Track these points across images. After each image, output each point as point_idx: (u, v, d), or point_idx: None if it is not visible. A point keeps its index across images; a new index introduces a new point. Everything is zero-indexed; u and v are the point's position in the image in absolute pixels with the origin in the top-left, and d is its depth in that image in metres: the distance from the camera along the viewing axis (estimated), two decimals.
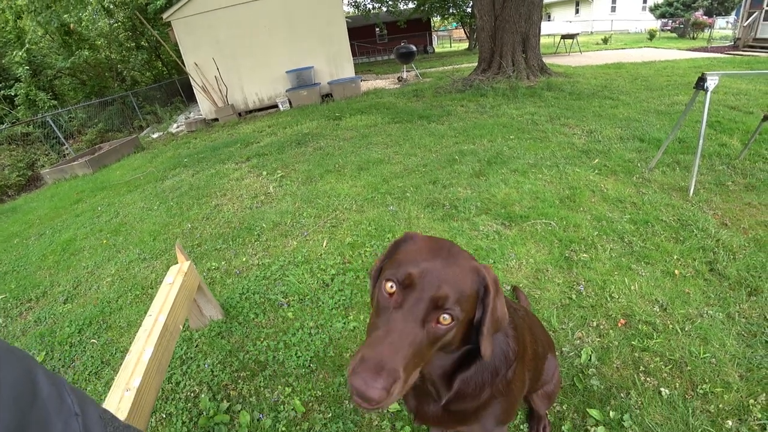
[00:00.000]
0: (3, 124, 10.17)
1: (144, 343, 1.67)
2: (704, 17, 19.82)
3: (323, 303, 2.44)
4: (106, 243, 4.01)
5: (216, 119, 10.29)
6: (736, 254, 2.46)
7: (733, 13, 21.36)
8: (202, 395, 1.97)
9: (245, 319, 2.42)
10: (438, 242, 0.88)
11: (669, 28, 22.87)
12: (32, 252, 4.29)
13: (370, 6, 23.26)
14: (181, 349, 2.29)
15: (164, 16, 9.93)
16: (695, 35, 19.59)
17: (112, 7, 13.89)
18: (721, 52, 13.11)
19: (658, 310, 2.11)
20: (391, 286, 0.79)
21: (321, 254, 2.98)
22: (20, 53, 10.47)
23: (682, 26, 20.83)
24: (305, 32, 10.32)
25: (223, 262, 3.13)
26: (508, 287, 2.33)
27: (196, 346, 2.31)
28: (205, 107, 10.50)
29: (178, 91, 16.11)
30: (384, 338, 0.73)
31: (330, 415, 1.77)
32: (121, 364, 1.60)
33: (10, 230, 5.30)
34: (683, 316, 2.05)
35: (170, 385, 2.08)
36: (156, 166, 6.66)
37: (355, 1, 23.46)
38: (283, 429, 1.74)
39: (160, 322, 1.79)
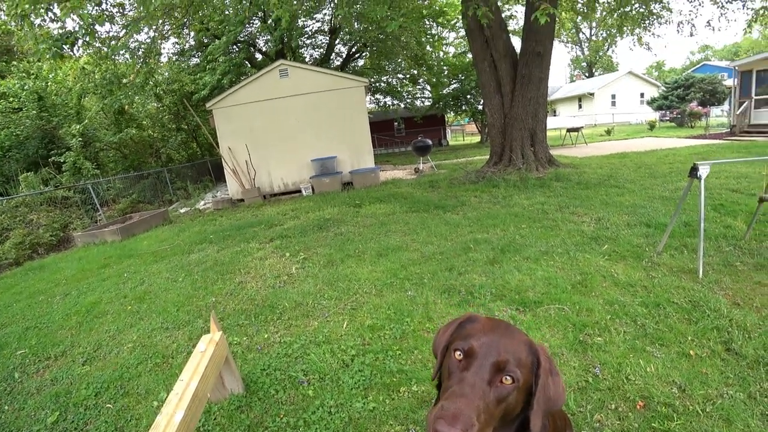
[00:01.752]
0: (47, 186, 10.88)
1: (175, 406, 1.73)
2: (699, 107, 21.19)
3: (343, 382, 2.49)
4: (130, 309, 4.16)
5: (242, 200, 10.87)
6: (751, 333, 2.51)
7: (725, 102, 22.75)
8: None
9: (265, 395, 2.47)
10: (496, 321, 1.08)
11: (668, 118, 24.32)
12: (56, 311, 4.44)
13: (390, 103, 25.32)
14: (199, 422, 2.31)
15: (207, 105, 11.08)
16: (693, 124, 20.80)
17: (162, 93, 15.46)
18: (720, 138, 13.92)
19: (676, 391, 2.13)
20: (459, 354, 0.98)
21: (341, 335, 3.08)
22: (78, 127, 11.55)
23: (679, 116, 22.15)
24: (331, 125, 11.28)
25: (245, 338, 3.23)
26: None
27: (215, 419, 2.34)
28: (233, 188, 11.17)
29: (209, 170, 17.21)
30: (458, 393, 0.89)
31: None
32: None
33: (37, 287, 5.50)
34: (703, 396, 2.07)
35: None
36: (183, 240, 6.98)
37: (376, 98, 25.60)
38: None
39: (192, 388, 1.86)
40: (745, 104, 14.83)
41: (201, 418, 2.34)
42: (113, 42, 7.29)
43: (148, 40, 8.89)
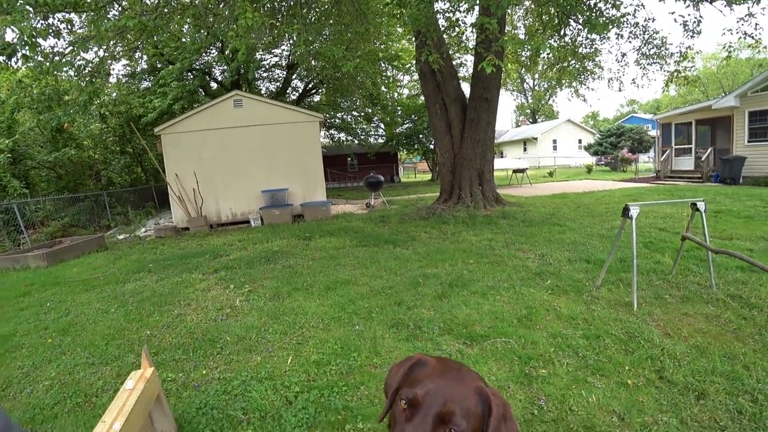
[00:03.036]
0: None
1: None
2: (629, 154, 23.55)
3: (285, 421, 2.38)
4: (51, 342, 3.79)
5: (187, 228, 10.41)
6: (681, 361, 2.71)
7: (651, 149, 25.40)
8: None
9: None
10: (447, 364, 1.04)
11: (603, 162, 26.76)
12: None
13: (344, 138, 25.71)
14: None
15: (156, 129, 10.70)
16: (625, 168, 23.29)
17: (107, 114, 14.75)
18: (648, 182, 15.50)
19: (616, 420, 2.24)
20: (404, 403, 0.93)
21: (285, 371, 2.97)
22: (7, 142, 10.67)
23: (613, 161, 24.60)
24: (284, 158, 11.24)
25: (181, 374, 3.03)
26: None
27: None
28: (178, 215, 10.69)
29: (153, 196, 16.40)
30: None
31: None
32: None
33: None
34: (640, 424, 2.18)
35: None
36: (118, 268, 6.53)
37: (331, 134, 25.93)
38: None
39: (115, 430, 1.73)
40: (666, 152, 16.62)
41: None
42: (57, 58, 6.93)
43: (97, 60, 8.55)
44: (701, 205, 3.73)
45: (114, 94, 15.84)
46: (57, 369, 3.25)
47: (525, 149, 38.11)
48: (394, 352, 3.13)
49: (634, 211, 3.62)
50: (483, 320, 3.60)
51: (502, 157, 38.38)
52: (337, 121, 24.10)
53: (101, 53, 8.55)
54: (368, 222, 9.59)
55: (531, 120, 49.87)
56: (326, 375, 2.87)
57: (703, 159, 14.61)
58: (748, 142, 13.22)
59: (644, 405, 2.34)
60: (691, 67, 9.42)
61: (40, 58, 6.31)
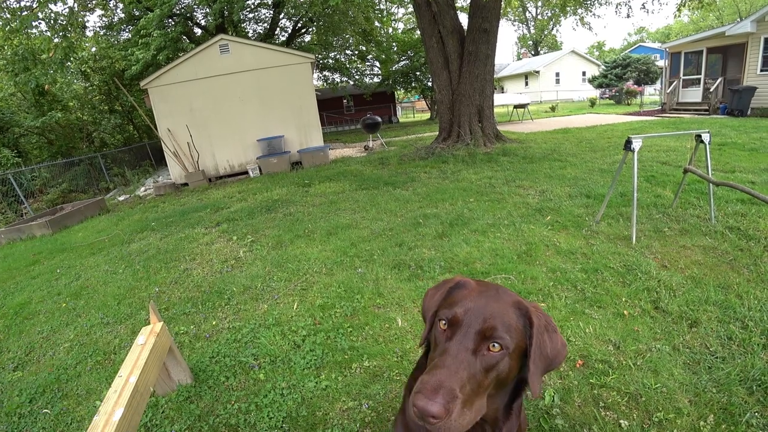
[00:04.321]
0: None
1: (114, 404, 1.64)
2: (635, 86, 22.76)
3: (295, 363, 2.49)
4: (65, 307, 3.89)
5: (186, 184, 10.36)
6: (676, 292, 2.77)
7: (658, 81, 24.53)
8: None
9: (215, 383, 2.42)
10: (486, 285, 1.05)
11: (607, 96, 25.90)
12: None
13: (338, 80, 24.80)
14: (146, 416, 2.23)
15: (142, 83, 10.31)
16: (629, 101, 22.46)
17: (89, 71, 14.17)
18: (652, 115, 15.05)
19: (612, 348, 2.32)
20: (444, 324, 0.95)
21: (292, 316, 3.05)
22: None
23: (617, 94, 23.79)
24: (277, 104, 10.89)
25: (192, 326, 3.13)
26: None
27: (163, 412, 2.27)
28: (175, 172, 10.60)
29: (148, 154, 16.18)
30: (440, 364, 0.86)
31: None
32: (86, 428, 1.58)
33: None
34: (635, 352, 2.26)
35: None
36: (122, 229, 6.58)
37: (324, 75, 25.00)
38: None
39: (131, 383, 1.78)
40: (674, 84, 15.91)
41: (147, 412, 2.26)
42: (24, 13, 6.52)
43: (66, 11, 8.03)
44: (705, 137, 3.61)
45: (93, 49, 15.10)
46: (75, 331, 3.36)
47: (527, 83, 36.63)
48: (397, 293, 3.20)
49: (636, 144, 3.52)
50: (483, 257, 3.64)
51: (502, 92, 37.09)
52: (330, 61, 23.05)
53: (71, 2, 8.03)
54: (367, 165, 9.49)
55: (533, 52, 47.50)
56: (331, 318, 2.95)
57: (711, 90, 13.91)
58: (761, 71, 12.49)
59: (639, 334, 2.41)
60: None
61: (6, 15, 5.95)
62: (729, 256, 3.22)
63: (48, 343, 3.27)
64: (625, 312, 2.63)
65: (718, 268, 3.07)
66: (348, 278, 3.54)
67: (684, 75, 15.78)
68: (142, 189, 11.33)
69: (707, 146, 3.63)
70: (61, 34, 7.57)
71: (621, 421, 1.85)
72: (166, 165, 11.07)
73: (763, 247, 3.29)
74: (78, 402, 2.49)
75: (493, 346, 0.89)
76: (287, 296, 3.40)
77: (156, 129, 10.59)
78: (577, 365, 2.22)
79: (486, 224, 4.45)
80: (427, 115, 30.22)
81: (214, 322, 3.14)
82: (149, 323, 2.28)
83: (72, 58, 10.40)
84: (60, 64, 7.88)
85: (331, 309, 3.07)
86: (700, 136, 3.64)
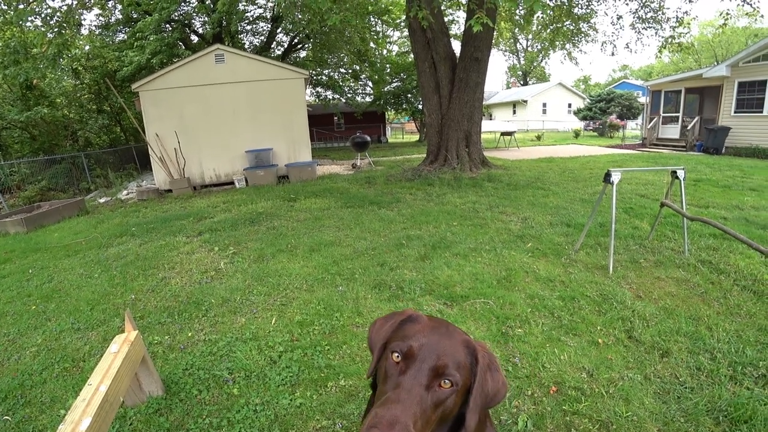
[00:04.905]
0: None
1: (81, 412, 1.59)
2: (618, 120, 23.62)
3: (270, 379, 2.47)
4: (35, 309, 3.78)
5: (170, 190, 10.24)
6: (649, 322, 2.86)
7: (639, 117, 25.51)
8: None
9: (187, 396, 2.38)
10: (438, 321, 1.05)
11: (591, 128, 26.74)
12: None
13: (331, 97, 25.06)
14: (113, 428, 2.18)
15: (133, 86, 10.25)
16: (612, 134, 23.34)
17: (80, 69, 14.01)
18: (633, 149, 15.62)
19: (585, 376, 2.37)
20: (397, 356, 0.94)
21: (269, 331, 3.04)
22: None
23: (601, 127, 24.66)
24: (268, 117, 10.94)
25: (166, 337, 3.08)
26: None
27: (131, 424, 2.22)
28: (160, 177, 10.48)
29: (134, 158, 15.95)
30: (394, 398, 0.85)
31: None
32: None
33: None
34: (607, 380, 2.32)
35: None
36: (101, 232, 6.45)
37: (317, 92, 25.23)
38: None
39: (101, 392, 1.73)
40: (654, 120, 16.64)
41: (114, 424, 2.21)
42: (21, 6, 6.48)
43: (65, 8, 8.00)
44: (680, 173, 3.79)
45: (86, 47, 14.99)
46: (43, 335, 3.26)
47: (514, 112, 37.66)
48: (376, 312, 3.22)
49: (615, 177, 3.67)
50: (464, 281, 3.69)
51: (491, 119, 37.94)
52: (324, 78, 23.33)
53: (70, 1, 8.02)
54: (354, 183, 9.55)
55: (522, 82, 48.94)
56: (309, 335, 2.95)
57: (689, 128, 14.63)
58: (735, 112, 13.21)
59: (612, 362, 2.47)
60: (687, 33, 9.35)
61: (3, 6, 5.91)
62: (701, 288, 3.36)
63: (14, 347, 3.17)
64: (600, 340, 2.70)
65: (690, 300, 3.19)
66: (328, 296, 3.55)
67: (664, 112, 16.54)
68: (125, 192, 11.14)
69: (682, 182, 3.81)
70: (56, 30, 7.52)
71: None
72: (151, 170, 10.93)
73: (733, 281, 3.44)
74: (41, 410, 2.41)
75: (444, 382, 0.90)
76: (266, 311, 3.38)
77: (144, 133, 10.50)
78: (551, 391, 2.27)
79: (468, 248, 4.52)
80: (416, 137, 30.65)
81: (189, 334, 3.09)
82: (123, 331, 2.24)
83: (65, 55, 10.30)
84: (52, 60, 7.80)
85: (310, 326, 3.07)
86: (675, 172, 3.82)
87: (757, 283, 3.37)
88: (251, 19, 20.28)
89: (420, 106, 23.23)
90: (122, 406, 2.30)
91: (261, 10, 19.97)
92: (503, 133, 19.08)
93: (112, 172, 13.11)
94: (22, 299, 4.05)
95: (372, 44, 20.56)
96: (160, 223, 6.65)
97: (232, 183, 10.61)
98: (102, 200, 10.22)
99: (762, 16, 8.20)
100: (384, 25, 20.61)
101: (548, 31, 12.45)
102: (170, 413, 2.26)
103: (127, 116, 15.27)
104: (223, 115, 10.69)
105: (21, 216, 7.40)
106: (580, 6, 10.60)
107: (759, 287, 3.30)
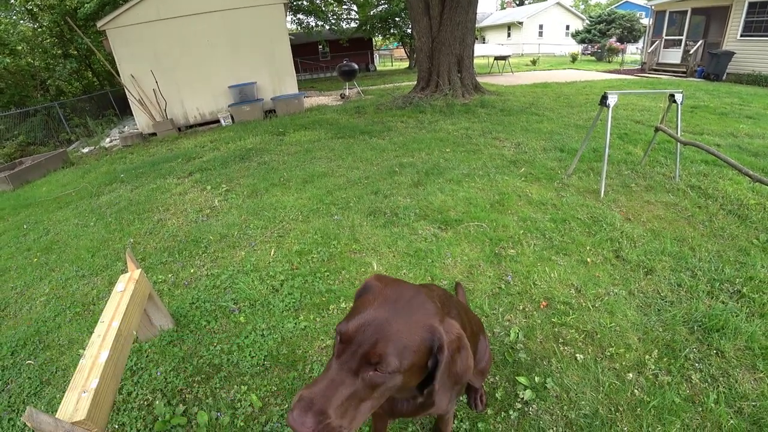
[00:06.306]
0: None
1: (99, 347, 1.67)
2: (617, 44, 22.51)
3: (274, 306, 2.57)
4: (37, 262, 3.82)
5: (154, 134, 9.93)
6: (636, 243, 2.97)
7: (641, 40, 24.31)
8: (157, 402, 1.98)
9: (197, 327, 2.49)
10: (398, 290, 0.92)
11: (589, 52, 25.60)
12: None
13: (313, 24, 23.50)
14: (131, 361, 2.29)
15: (98, 24, 9.50)
16: (610, 59, 22.28)
17: (36, 10, 12.93)
18: (631, 74, 15.03)
19: (573, 292, 2.50)
20: (337, 337, 0.86)
21: (269, 262, 3.11)
22: None
23: (599, 51, 23.54)
24: (248, 48, 10.32)
25: (170, 275, 3.15)
26: (444, 282, 2.61)
27: (147, 356, 2.33)
28: (141, 121, 10.12)
29: (111, 103, 15.25)
30: (320, 382, 0.82)
31: (286, 406, 1.90)
32: (70, 375, 1.59)
33: None
34: (594, 295, 2.45)
35: (121, 396, 2.05)
36: (89, 182, 6.35)
37: (299, 19, 23.60)
38: (242, 424, 1.84)
39: (114, 327, 1.79)
40: (656, 43, 15.69)
41: (131, 357, 2.32)
42: None
43: None
44: (678, 97, 3.66)
45: None
46: (50, 285, 3.32)
47: (509, 35, 35.50)
48: (372, 239, 3.28)
49: (612, 100, 3.56)
50: (457, 206, 3.72)
51: (484, 42, 35.98)
52: (305, 3, 21.68)
53: None
54: (343, 113, 9.28)
55: (518, 2, 45.68)
56: (308, 263, 3.02)
57: (691, 52, 13.83)
58: (741, 35, 12.37)
59: (599, 279, 2.59)
60: None
61: None
62: (688, 212, 3.42)
63: (23, 298, 3.24)
64: (589, 259, 2.79)
65: (676, 222, 3.26)
66: (324, 225, 3.59)
67: (666, 35, 15.57)
68: (108, 140, 10.82)
69: (679, 106, 3.70)
70: None
71: (577, 355, 2.02)
72: (132, 114, 10.51)
73: (720, 205, 3.49)
74: (61, 352, 2.52)
75: (380, 368, 0.81)
76: (264, 243, 3.43)
77: (118, 75, 9.94)
78: (541, 306, 2.38)
79: (461, 174, 4.51)
80: (405, 64, 29.25)
81: (192, 270, 3.16)
82: (126, 272, 2.28)
83: None
84: (3, 1, 7.16)
85: (308, 254, 3.13)
86: (673, 95, 3.69)
87: (743, 208, 3.43)
88: None
89: (409, 30, 21.87)
90: (136, 341, 2.41)
91: None
92: (497, 58, 18.20)
93: (91, 120, 12.62)
94: (22, 254, 4.07)
95: None
96: (149, 167, 6.53)
97: (218, 121, 10.28)
98: (85, 150, 9.95)
99: None
100: None
101: None
102: (183, 343, 2.37)
103: (97, 59, 14.39)
104: (200, 50, 10.05)
105: (4, 174, 7.22)
106: None
107: (744, 211, 3.37)
